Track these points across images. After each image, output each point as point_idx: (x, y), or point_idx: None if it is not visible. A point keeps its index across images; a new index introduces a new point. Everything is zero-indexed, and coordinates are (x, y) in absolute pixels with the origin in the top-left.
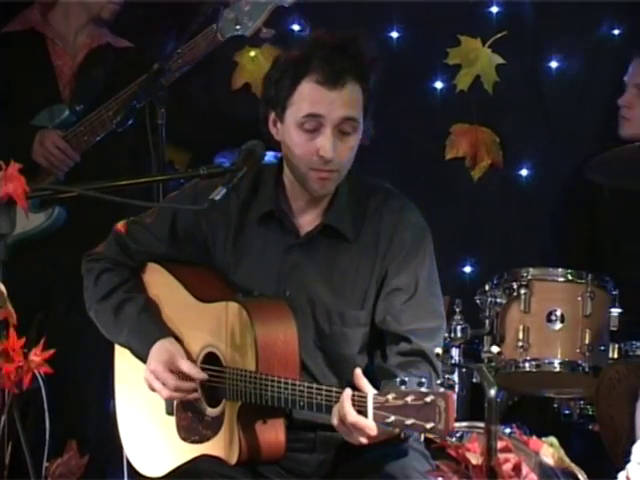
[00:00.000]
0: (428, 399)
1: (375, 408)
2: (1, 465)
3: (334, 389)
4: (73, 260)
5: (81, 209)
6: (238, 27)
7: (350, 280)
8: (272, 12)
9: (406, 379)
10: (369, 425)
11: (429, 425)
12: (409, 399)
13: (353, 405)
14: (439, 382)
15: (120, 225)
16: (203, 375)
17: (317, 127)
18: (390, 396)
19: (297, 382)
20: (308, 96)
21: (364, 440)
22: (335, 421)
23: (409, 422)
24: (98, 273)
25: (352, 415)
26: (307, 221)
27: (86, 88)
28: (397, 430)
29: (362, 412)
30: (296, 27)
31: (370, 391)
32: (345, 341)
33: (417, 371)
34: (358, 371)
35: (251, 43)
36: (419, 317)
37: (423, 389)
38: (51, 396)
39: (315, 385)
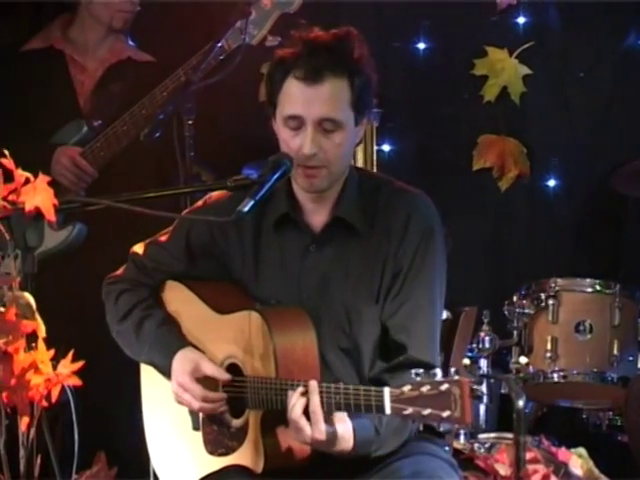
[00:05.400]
0: (443, 388)
1: (392, 401)
2: (30, 478)
3: (351, 387)
4: (104, 274)
5: (110, 223)
6: (244, 36)
7: (365, 276)
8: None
9: (421, 371)
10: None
11: (445, 414)
12: (424, 389)
13: (370, 399)
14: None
15: (137, 247)
16: (227, 375)
17: (299, 125)
18: (406, 388)
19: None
20: (289, 93)
21: (307, 440)
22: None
23: (426, 412)
24: (117, 295)
25: (296, 412)
26: (319, 221)
27: (104, 103)
28: (348, 445)
29: (379, 407)
30: None
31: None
32: (363, 338)
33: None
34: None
35: None
36: (423, 326)
37: (438, 378)
38: (80, 408)
39: (333, 385)
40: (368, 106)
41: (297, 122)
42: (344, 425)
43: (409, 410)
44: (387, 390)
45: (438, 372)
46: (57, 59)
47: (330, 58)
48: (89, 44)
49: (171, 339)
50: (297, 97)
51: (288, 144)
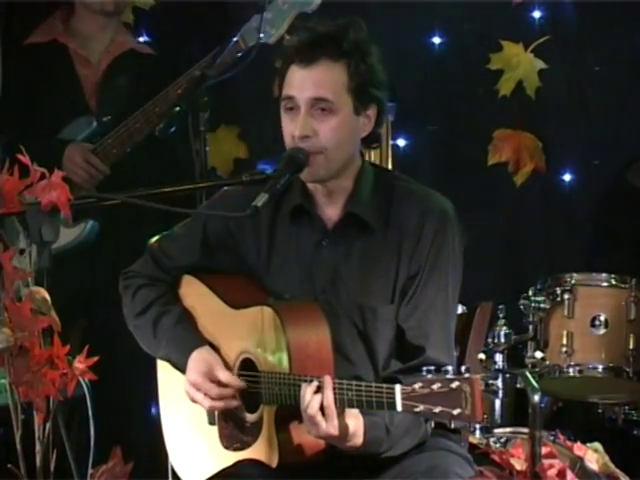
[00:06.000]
0: (454, 385)
1: (403, 399)
2: (46, 472)
3: (363, 383)
4: (115, 267)
5: (121, 218)
6: (261, 35)
7: (379, 275)
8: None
9: (432, 368)
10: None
11: (456, 411)
12: (435, 387)
13: (381, 396)
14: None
15: (154, 241)
16: (242, 383)
17: (294, 108)
18: (417, 385)
19: None
20: (287, 78)
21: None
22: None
23: (437, 410)
24: (135, 289)
25: (312, 408)
26: (333, 214)
27: (111, 98)
28: (358, 441)
29: (390, 404)
30: None
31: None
32: (379, 337)
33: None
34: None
35: None
36: (439, 328)
37: (448, 376)
38: (96, 403)
39: (345, 381)
40: (373, 98)
41: (291, 103)
42: (356, 421)
43: (420, 407)
44: (398, 387)
45: (449, 369)
46: (61, 53)
47: (328, 42)
48: (90, 36)
49: (188, 337)
50: (293, 80)
51: (286, 130)
